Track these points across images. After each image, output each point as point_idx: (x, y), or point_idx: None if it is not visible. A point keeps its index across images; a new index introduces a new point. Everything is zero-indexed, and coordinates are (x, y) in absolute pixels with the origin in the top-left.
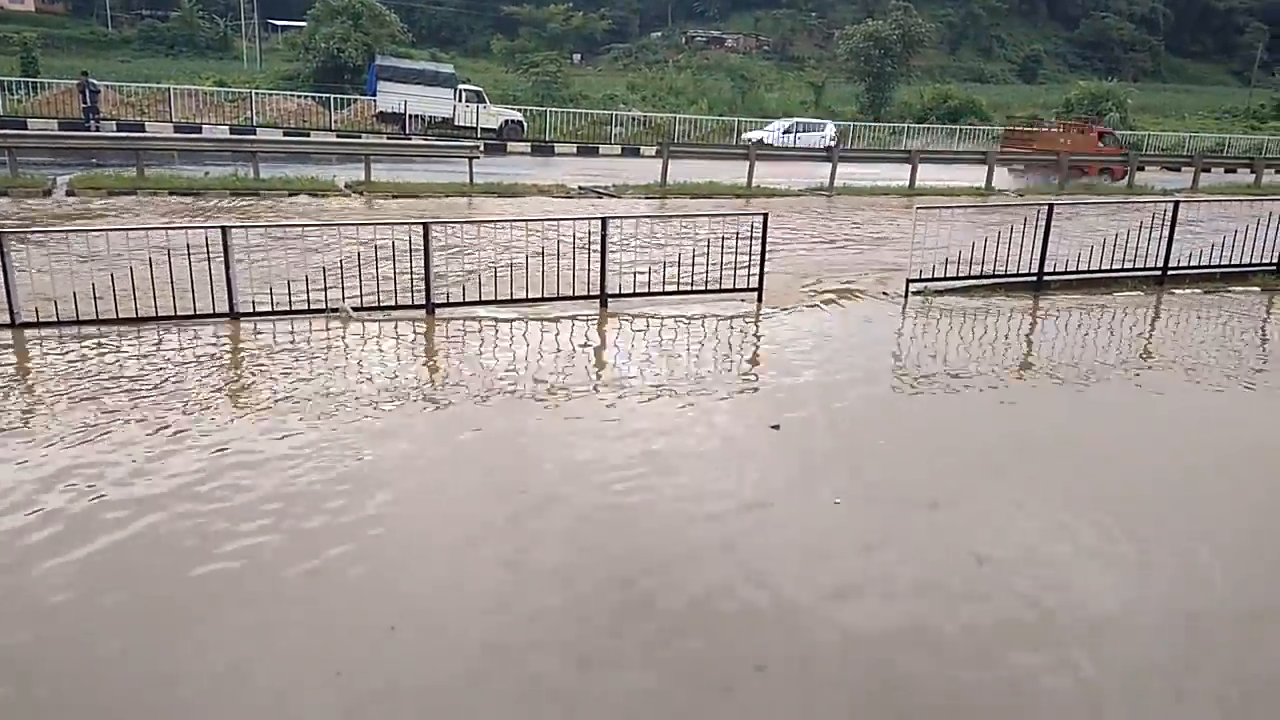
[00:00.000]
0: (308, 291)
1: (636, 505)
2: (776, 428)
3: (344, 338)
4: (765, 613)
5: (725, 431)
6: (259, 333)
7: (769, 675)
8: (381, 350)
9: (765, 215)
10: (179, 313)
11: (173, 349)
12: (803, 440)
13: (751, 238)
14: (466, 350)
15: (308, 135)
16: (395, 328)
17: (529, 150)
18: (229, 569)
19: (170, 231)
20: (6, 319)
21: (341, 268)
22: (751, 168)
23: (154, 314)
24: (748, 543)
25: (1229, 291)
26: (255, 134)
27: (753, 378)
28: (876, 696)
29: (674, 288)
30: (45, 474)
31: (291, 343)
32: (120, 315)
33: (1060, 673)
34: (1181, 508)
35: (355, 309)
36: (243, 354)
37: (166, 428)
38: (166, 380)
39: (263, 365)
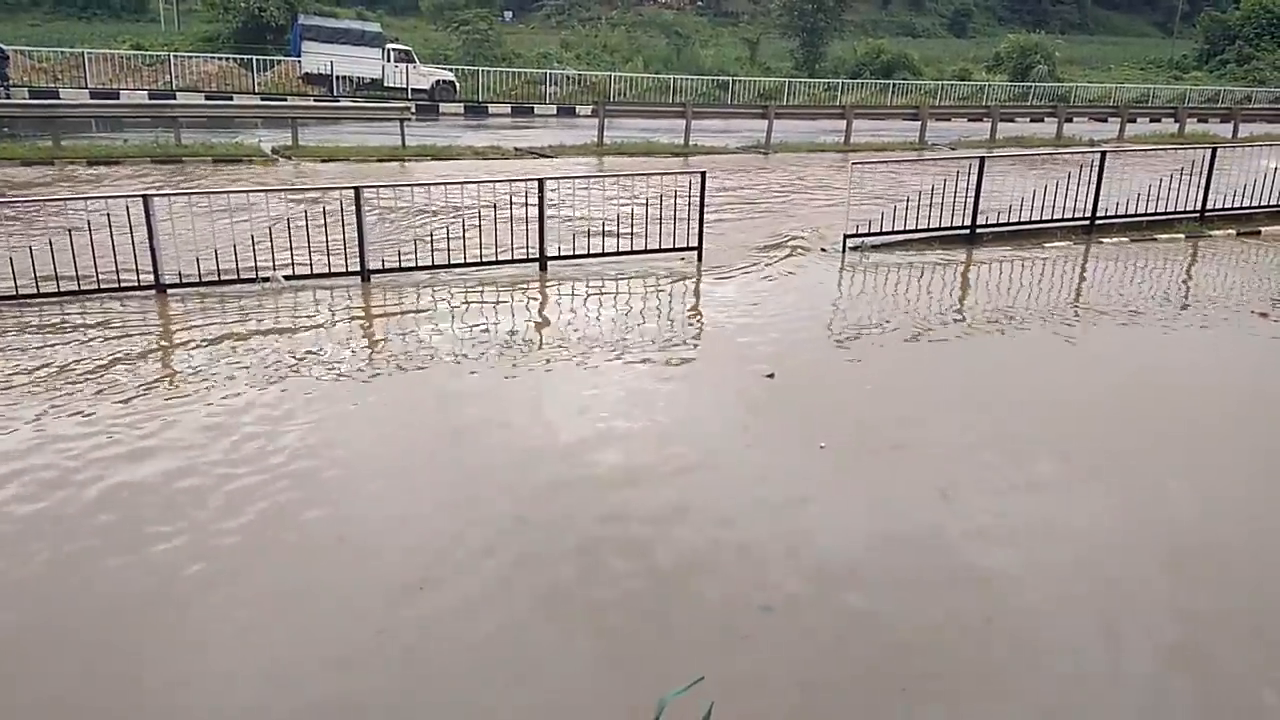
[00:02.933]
0: (236, 261)
1: (624, 464)
2: (771, 376)
3: (277, 307)
4: (765, 554)
5: (695, 386)
6: (186, 304)
7: (776, 615)
8: (318, 319)
9: (703, 174)
10: (102, 286)
11: (97, 323)
12: (766, 392)
13: (690, 196)
14: (404, 317)
15: (230, 99)
16: (330, 295)
17: (462, 111)
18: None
19: (89, 202)
20: None
21: (271, 235)
22: (688, 126)
23: (76, 289)
24: (739, 487)
25: (1155, 239)
26: (175, 98)
27: (700, 335)
28: (860, 633)
29: (614, 248)
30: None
31: (221, 313)
32: (41, 290)
33: (1021, 600)
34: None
35: (287, 277)
36: (170, 326)
37: (120, 400)
38: (97, 356)
39: (189, 338)
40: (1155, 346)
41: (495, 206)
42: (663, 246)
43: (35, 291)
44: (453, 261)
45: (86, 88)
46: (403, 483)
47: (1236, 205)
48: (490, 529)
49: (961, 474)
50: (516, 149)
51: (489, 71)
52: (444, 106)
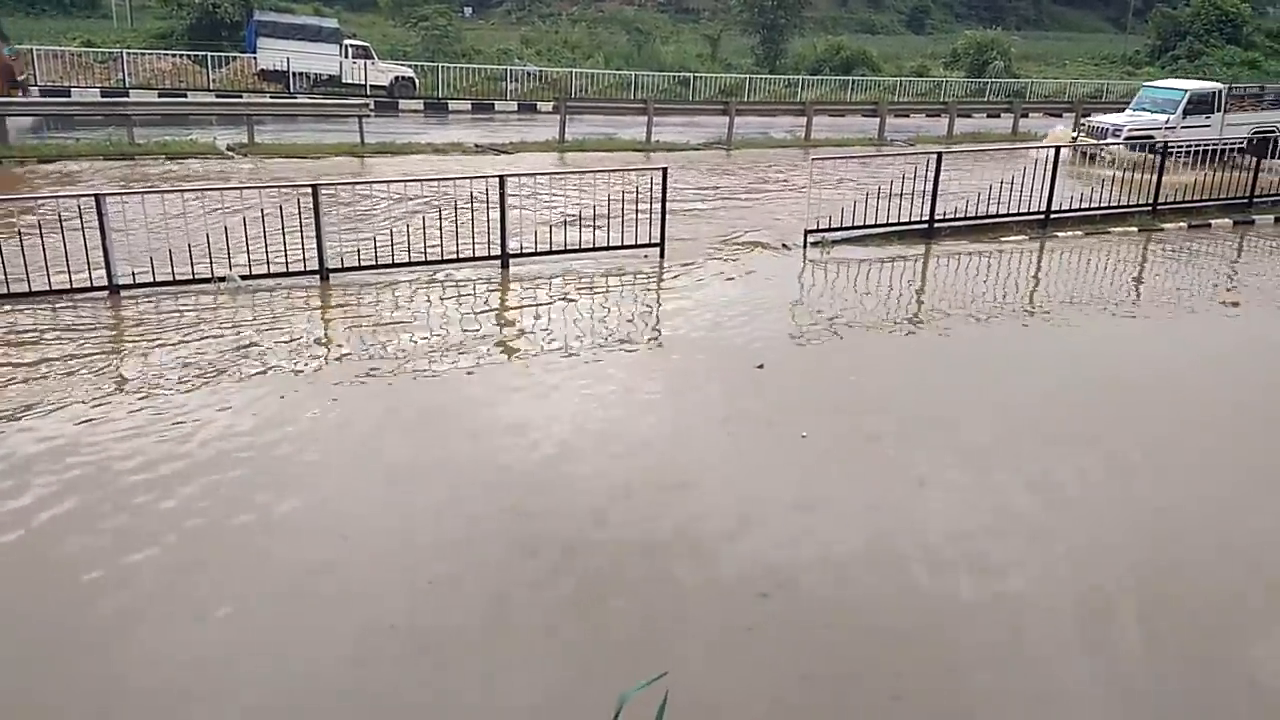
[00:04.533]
0: (191, 261)
1: (613, 459)
2: (761, 367)
3: (234, 308)
4: (758, 543)
5: (672, 380)
6: (140, 306)
7: (772, 601)
8: (278, 320)
9: (665, 170)
10: (54, 288)
11: (49, 327)
12: (747, 384)
13: (651, 193)
14: (365, 318)
15: (185, 96)
16: (288, 295)
17: (422, 108)
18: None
19: (40, 202)
20: None
21: (227, 235)
22: (650, 122)
23: (26, 290)
24: (728, 479)
25: (1109, 232)
26: (128, 96)
27: (672, 331)
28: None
29: (575, 245)
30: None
31: (176, 314)
32: None
33: (1005, 585)
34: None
35: (244, 277)
36: (123, 329)
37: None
38: (52, 361)
39: (141, 341)
40: (1127, 335)
41: (456, 204)
42: (625, 243)
43: None
44: (413, 260)
45: (36, 85)
46: (389, 482)
47: (1187, 199)
48: (486, 527)
49: (937, 462)
50: (477, 146)
51: (449, 68)
52: (404, 103)
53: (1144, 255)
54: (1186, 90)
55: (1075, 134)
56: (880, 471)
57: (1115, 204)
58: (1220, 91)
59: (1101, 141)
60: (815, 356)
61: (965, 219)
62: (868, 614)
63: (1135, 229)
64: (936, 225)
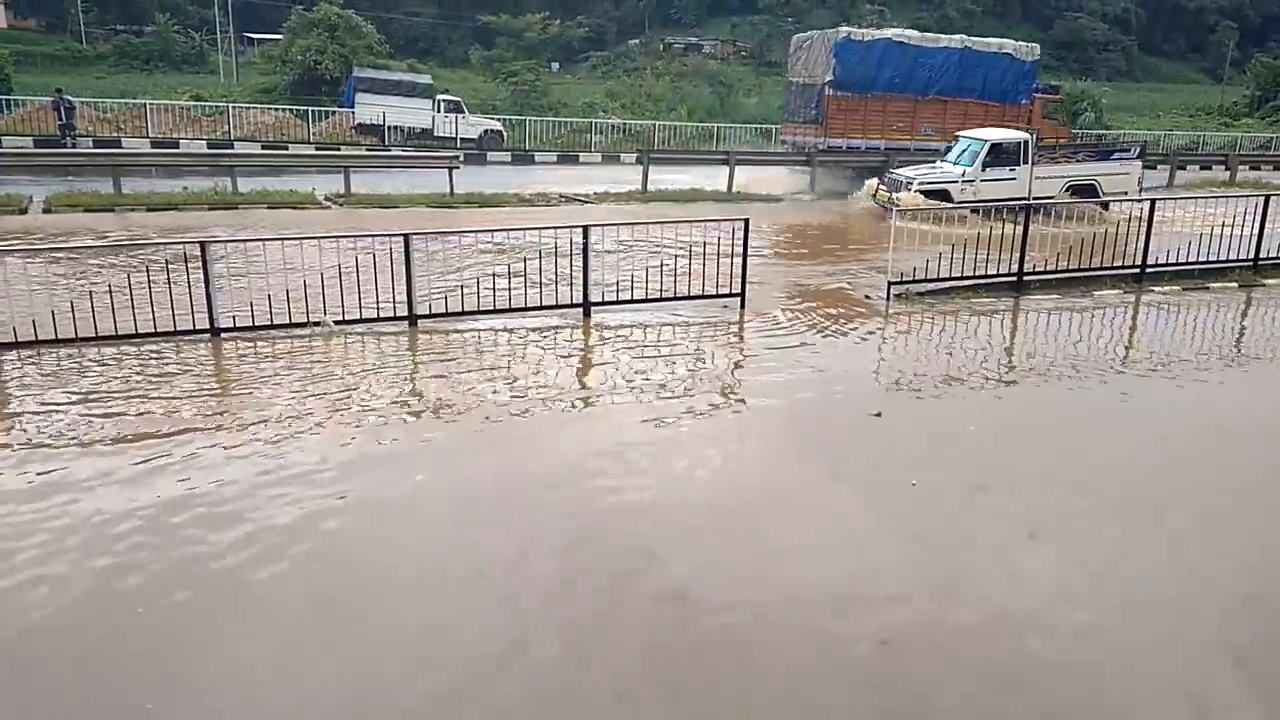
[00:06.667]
0: (289, 306)
1: (724, 505)
2: (878, 415)
3: (327, 352)
4: (873, 587)
5: (772, 430)
6: (240, 349)
7: (892, 648)
8: (370, 365)
9: (746, 220)
10: (159, 330)
11: (154, 369)
12: (846, 436)
13: (733, 243)
14: (454, 363)
15: (286, 148)
16: (379, 341)
17: (509, 159)
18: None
19: (148, 247)
20: None
21: (322, 281)
22: (731, 173)
23: (134, 332)
24: (832, 523)
25: (1207, 288)
26: (233, 148)
27: (754, 378)
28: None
29: (657, 294)
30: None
31: (272, 358)
32: (99, 334)
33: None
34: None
35: (337, 322)
36: (227, 371)
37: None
38: (156, 400)
39: (244, 383)
40: (1232, 399)
41: (540, 253)
42: (706, 292)
43: (94, 335)
44: (498, 307)
45: (147, 137)
46: (504, 525)
47: None
48: (596, 576)
49: (1046, 516)
50: (562, 196)
51: (536, 120)
52: (491, 155)
53: (1249, 312)
54: (987, 140)
55: (878, 186)
56: (988, 521)
57: (1214, 259)
58: (1026, 142)
59: (892, 195)
60: (908, 407)
61: (1056, 272)
62: (990, 667)
63: (1236, 285)
64: (1026, 279)
